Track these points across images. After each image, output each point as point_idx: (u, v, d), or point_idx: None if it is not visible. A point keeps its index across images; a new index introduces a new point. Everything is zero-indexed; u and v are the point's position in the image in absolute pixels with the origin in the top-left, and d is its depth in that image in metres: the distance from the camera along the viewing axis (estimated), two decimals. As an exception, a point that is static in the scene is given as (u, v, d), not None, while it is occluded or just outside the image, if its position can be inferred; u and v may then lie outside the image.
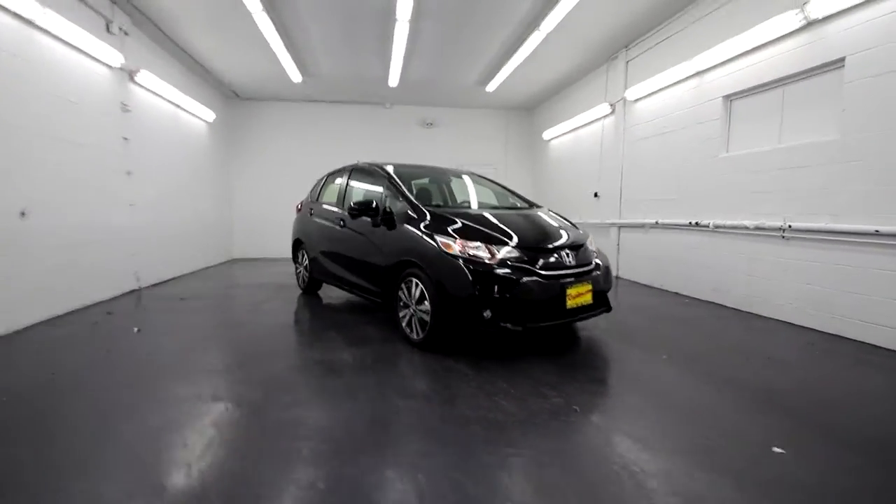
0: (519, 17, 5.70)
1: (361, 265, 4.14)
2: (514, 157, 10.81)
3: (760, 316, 4.54)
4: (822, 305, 3.98)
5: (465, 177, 4.85)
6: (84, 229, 4.70)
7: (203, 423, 2.20)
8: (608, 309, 3.57)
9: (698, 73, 5.38)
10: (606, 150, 7.57)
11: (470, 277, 3.01)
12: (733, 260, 4.92)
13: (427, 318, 3.27)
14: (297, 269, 5.91)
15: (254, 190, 9.84)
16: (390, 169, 4.23)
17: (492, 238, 3.20)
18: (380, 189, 4.20)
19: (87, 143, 4.77)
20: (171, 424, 2.18)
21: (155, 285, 6.15)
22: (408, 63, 7.22)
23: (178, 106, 6.97)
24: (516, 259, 3.12)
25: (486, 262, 3.06)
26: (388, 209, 3.85)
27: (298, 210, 5.97)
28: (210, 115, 8.04)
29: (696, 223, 5.40)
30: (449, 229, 3.29)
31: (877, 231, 3.47)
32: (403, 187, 3.90)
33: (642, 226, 6.50)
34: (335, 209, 4.82)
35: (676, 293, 5.79)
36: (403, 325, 3.56)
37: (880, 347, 3.47)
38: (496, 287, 2.98)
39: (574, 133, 8.80)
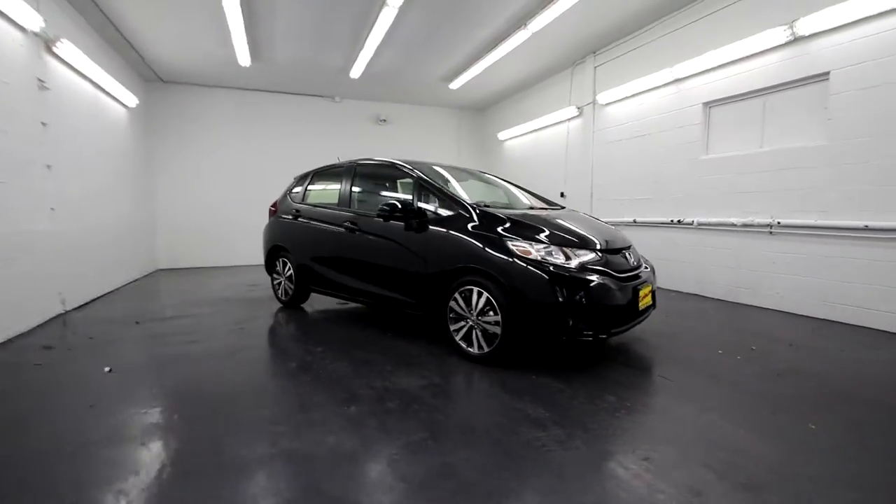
0: (511, 12, 5.55)
1: (389, 273, 3.67)
2: (468, 155, 10.73)
3: (749, 305, 4.94)
4: (810, 293, 4.42)
5: (478, 175, 4.58)
6: (-2, 240, 3.56)
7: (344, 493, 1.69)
8: (654, 306, 3.57)
9: (677, 81, 5.72)
10: (573, 151, 7.79)
11: (553, 284, 2.78)
12: (718, 254, 5.31)
13: (495, 329, 2.96)
14: (275, 279, 5.14)
15: (181, 189, 8.48)
16: (418, 167, 3.82)
17: (565, 241, 3.00)
18: (405, 188, 3.78)
19: (-4, 126, 3.62)
20: None
21: (82, 307, 4.93)
22: (379, 53, 6.71)
23: (98, 87, 5.69)
24: (592, 262, 2.96)
25: (566, 266, 2.86)
26: (422, 211, 3.47)
27: (273, 212, 5.20)
28: (132, 100, 6.72)
29: (679, 221, 5.74)
30: (519, 232, 3.02)
31: (866, 226, 3.93)
32: (444, 186, 3.53)
33: (617, 225, 6.76)
34: (338, 211, 4.25)
35: (658, 287, 6.10)
36: (458, 338, 3.20)
37: (870, 328, 3.93)
38: (581, 293, 2.79)
39: (534, 134, 8.95)
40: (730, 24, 4.98)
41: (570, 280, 2.80)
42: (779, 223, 4.62)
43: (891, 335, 3.77)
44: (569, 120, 7.87)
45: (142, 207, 7.55)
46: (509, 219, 3.15)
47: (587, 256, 2.96)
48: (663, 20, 5.81)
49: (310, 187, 4.89)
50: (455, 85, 8.31)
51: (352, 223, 4.01)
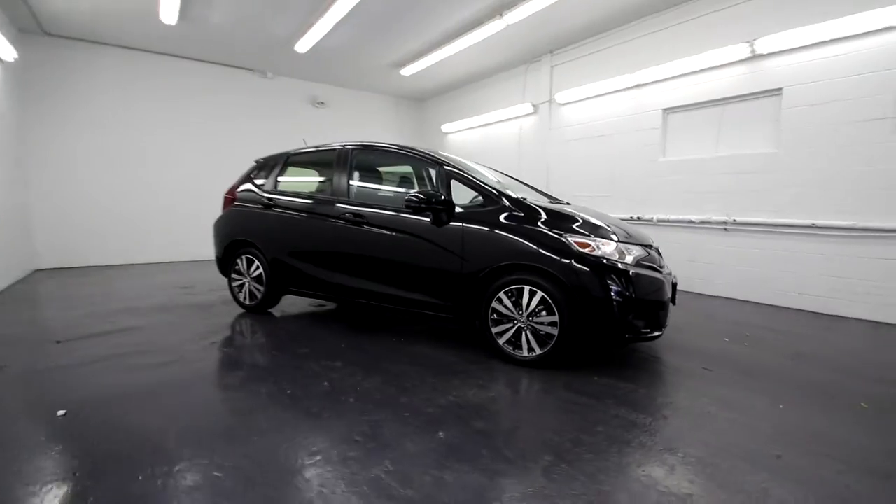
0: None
1: (413, 272, 3.27)
2: (410, 148, 10.34)
3: (704, 295, 5.45)
4: (760, 283, 5.00)
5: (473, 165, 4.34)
6: None
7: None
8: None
9: (638, 86, 6.07)
10: (527, 148, 7.90)
11: (618, 281, 2.69)
12: (675, 249, 5.73)
13: (549, 331, 2.79)
14: (235, 280, 4.32)
15: (67, 171, 6.81)
16: (438, 154, 3.47)
17: (619, 236, 2.93)
18: (424, 178, 3.43)
19: None
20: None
21: (-45, 325, 3.65)
22: (338, 27, 6.05)
23: (-36, 26, 4.24)
24: (644, 258, 2.93)
25: (625, 262, 2.79)
26: (452, 203, 3.16)
27: (230, 201, 4.38)
28: (9, 52, 5.16)
29: (638, 217, 6.12)
30: (572, 227, 2.87)
31: (813, 224, 4.54)
32: (479, 177, 3.24)
33: (575, 220, 7.02)
34: (332, 201, 3.69)
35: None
36: (502, 342, 2.96)
37: (816, 313, 4.55)
38: (642, 289, 2.75)
39: (484, 129, 8.91)
40: (692, 36, 5.39)
41: (632, 276, 2.73)
42: (734, 221, 5.15)
43: (835, 318, 4.40)
44: (523, 117, 7.97)
45: (17, 191, 5.89)
46: (556, 213, 3.00)
47: (637, 252, 2.93)
48: (627, 26, 6.11)
49: (284, 173, 4.20)
50: (408, 71, 7.90)
51: (356, 216, 3.50)
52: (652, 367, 3.01)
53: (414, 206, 3.13)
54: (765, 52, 4.78)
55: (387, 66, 7.88)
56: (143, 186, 7.36)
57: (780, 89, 4.76)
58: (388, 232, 3.34)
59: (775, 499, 1.62)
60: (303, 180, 4.17)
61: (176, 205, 7.61)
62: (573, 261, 2.73)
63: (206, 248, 8.01)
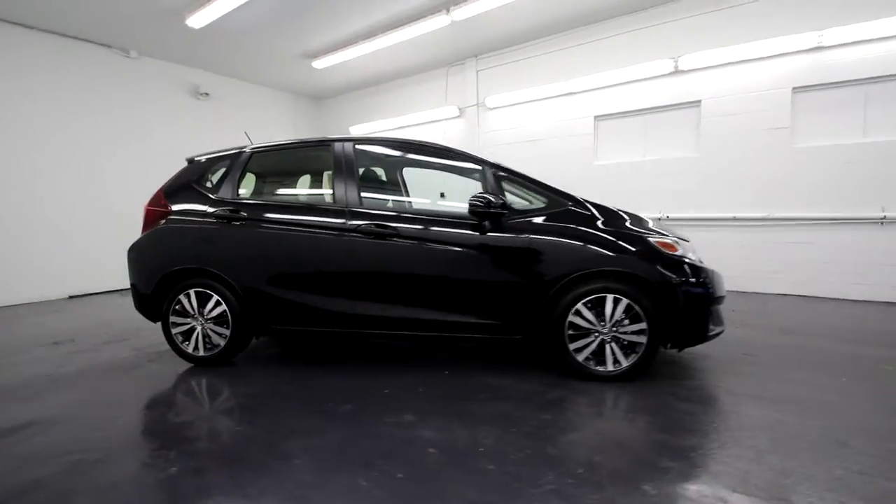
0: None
1: (467, 290, 2.74)
2: (311, 151, 9.24)
3: (646, 286, 6.00)
4: (692, 271, 5.69)
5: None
6: None
7: None
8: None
9: (570, 94, 6.40)
10: (453, 151, 7.71)
11: (701, 279, 2.66)
12: (615, 246, 6.22)
13: (635, 339, 2.61)
14: (177, 326, 3.08)
15: None
16: (485, 153, 3.03)
17: (675, 234, 2.91)
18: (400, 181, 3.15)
19: None
20: None
21: None
22: (253, 2, 4.96)
23: None
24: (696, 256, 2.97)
25: (696, 259, 2.79)
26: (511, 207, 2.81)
27: (162, 216, 3.15)
28: None
29: (579, 218, 6.45)
30: (648, 227, 2.76)
31: (734, 217, 5.33)
32: (531, 179, 2.90)
33: (512, 223, 7.09)
34: (337, 211, 2.91)
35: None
36: (581, 358, 2.68)
37: (747, 292, 5.33)
38: (715, 287, 2.78)
39: (401, 132, 8.43)
40: (621, 50, 5.88)
41: (707, 274, 2.74)
42: (667, 217, 5.77)
43: (759, 294, 5.23)
44: (447, 120, 7.76)
45: None
46: (619, 213, 2.88)
47: (693, 248, 2.96)
48: (556, 36, 6.38)
49: (247, 175, 3.19)
50: (322, 64, 6.99)
51: (378, 226, 2.81)
52: (704, 361, 3.08)
53: (480, 213, 2.64)
54: (686, 69, 5.46)
55: (296, 56, 6.85)
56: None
57: (699, 101, 5.49)
58: (435, 246, 2.76)
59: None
60: (286, 183, 3.22)
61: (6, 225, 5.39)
62: (661, 263, 2.61)
63: (36, 287, 5.73)
